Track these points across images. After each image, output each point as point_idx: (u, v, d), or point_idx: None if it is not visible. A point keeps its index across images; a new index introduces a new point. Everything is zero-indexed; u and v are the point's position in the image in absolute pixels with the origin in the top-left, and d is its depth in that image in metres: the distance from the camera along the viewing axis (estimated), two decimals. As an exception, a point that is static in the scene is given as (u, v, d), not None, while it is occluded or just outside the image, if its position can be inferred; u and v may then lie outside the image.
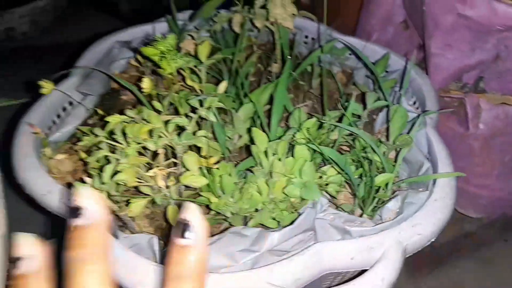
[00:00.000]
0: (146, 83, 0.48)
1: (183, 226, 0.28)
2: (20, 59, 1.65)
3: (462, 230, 1.00)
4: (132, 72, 0.73)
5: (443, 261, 1.04)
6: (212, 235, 0.45)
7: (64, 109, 0.63)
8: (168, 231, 0.50)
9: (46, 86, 0.49)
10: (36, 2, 1.71)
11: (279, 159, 0.45)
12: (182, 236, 0.28)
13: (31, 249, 0.26)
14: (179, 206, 0.45)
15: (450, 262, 1.04)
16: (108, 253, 0.27)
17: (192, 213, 0.28)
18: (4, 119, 0.99)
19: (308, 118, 0.52)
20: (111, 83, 0.68)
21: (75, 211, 0.26)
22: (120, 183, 0.41)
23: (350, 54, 0.76)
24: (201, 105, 0.48)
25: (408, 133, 0.50)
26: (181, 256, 0.28)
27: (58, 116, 0.62)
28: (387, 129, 0.53)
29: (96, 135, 0.45)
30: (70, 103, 0.64)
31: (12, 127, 0.57)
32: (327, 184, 0.49)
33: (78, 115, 0.61)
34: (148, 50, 0.43)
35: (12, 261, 0.26)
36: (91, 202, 0.27)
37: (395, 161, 0.51)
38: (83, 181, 0.41)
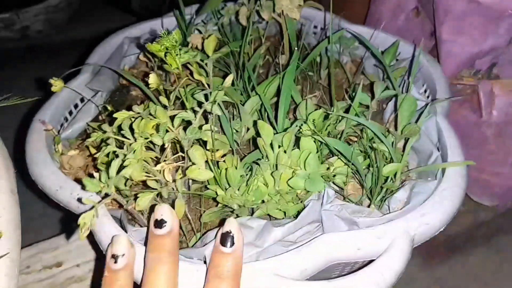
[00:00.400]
0: (153, 79, 0.48)
1: (227, 237, 0.38)
2: (36, 57, 1.68)
3: (477, 219, 0.99)
4: (142, 67, 0.73)
5: (457, 250, 1.03)
6: (218, 226, 0.45)
7: (76, 106, 0.64)
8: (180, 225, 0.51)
9: (56, 84, 0.50)
10: (50, 1, 1.73)
11: (285, 151, 0.45)
12: (224, 245, 0.38)
13: (125, 249, 0.38)
14: (188, 199, 0.45)
15: (464, 251, 1.03)
16: (178, 258, 0.39)
17: (234, 227, 0.39)
18: (19, 116, 1.01)
19: (316, 109, 0.52)
20: (121, 79, 0.69)
21: (160, 223, 0.38)
22: (127, 177, 0.42)
23: (359, 44, 0.75)
24: (208, 99, 0.48)
25: (416, 122, 0.50)
26: (222, 261, 0.38)
27: (70, 113, 0.64)
28: (396, 119, 0.52)
29: (104, 131, 0.46)
30: (82, 100, 0.65)
31: (26, 124, 0.58)
32: (334, 176, 0.49)
33: (88, 112, 0.62)
34: (153, 47, 0.44)
35: (114, 257, 0.38)
36: (171, 216, 0.39)
37: (404, 151, 0.50)
38: (92, 176, 0.42)
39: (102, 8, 1.92)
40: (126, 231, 0.45)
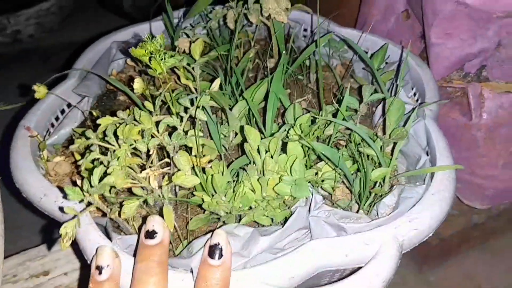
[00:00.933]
0: (138, 84, 0.48)
1: (215, 249, 0.38)
2: (27, 61, 1.67)
3: (471, 221, 0.99)
4: (130, 72, 0.73)
5: (452, 253, 1.02)
6: (205, 234, 0.44)
7: (63, 111, 0.64)
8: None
9: (39, 90, 0.50)
10: (42, 4, 1.72)
11: (272, 157, 0.45)
12: (212, 258, 0.38)
13: (109, 259, 0.38)
14: (175, 205, 0.44)
15: (459, 254, 1.03)
16: (167, 269, 0.38)
17: (222, 239, 0.38)
18: (5, 122, 1.00)
19: (304, 114, 0.52)
20: (108, 84, 0.69)
21: (152, 234, 0.38)
22: (111, 185, 0.41)
23: (349, 47, 0.75)
24: (194, 103, 0.48)
25: (404, 125, 0.49)
26: (210, 273, 0.37)
27: (57, 118, 0.63)
28: (384, 122, 0.52)
29: (88, 137, 0.45)
30: (69, 105, 0.64)
31: (11, 130, 0.57)
32: (323, 181, 0.49)
33: (75, 117, 0.61)
34: (137, 51, 0.43)
35: (98, 268, 0.37)
36: (162, 228, 0.39)
37: (392, 155, 0.50)
38: (75, 184, 0.41)
39: (94, 11, 1.91)
40: (110, 240, 0.44)
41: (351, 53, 0.74)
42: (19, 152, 0.53)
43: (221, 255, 0.38)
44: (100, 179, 0.40)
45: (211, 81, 0.64)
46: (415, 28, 0.83)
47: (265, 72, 0.67)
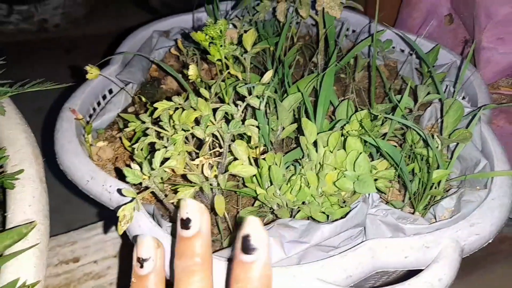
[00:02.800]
0: (192, 70, 0.47)
1: (245, 241, 0.29)
2: (52, 50, 1.67)
3: (499, 234, 0.96)
4: (171, 61, 0.72)
5: (477, 265, 1.00)
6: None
7: (104, 97, 0.63)
8: (217, 223, 0.49)
9: (91, 71, 0.49)
10: (69, -5, 1.72)
11: (331, 151, 0.43)
12: (245, 252, 0.29)
13: (151, 250, 0.32)
14: (226, 197, 0.43)
15: (485, 267, 1.00)
16: (211, 263, 0.31)
17: (254, 227, 0.29)
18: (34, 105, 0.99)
19: (357, 111, 0.50)
20: (151, 71, 0.68)
21: (186, 223, 0.31)
22: (166, 170, 0.40)
23: (393, 47, 0.73)
24: (249, 94, 0.46)
25: (466, 127, 0.48)
26: (244, 273, 0.29)
27: (98, 103, 0.62)
28: (441, 123, 0.50)
29: (143, 122, 0.44)
30: (110, 91, 0.63)
31: (52, 114, 0.57)
32: (376, 179, 0.47)
33: (118, 103, 0.61)
34: (198, 35, 0.42)
35: (139, 261, 0.31)
36: (199, 214, 0.31)
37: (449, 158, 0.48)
38: (128, 167, 0.40)
39: (119, 4, 1.91)
40: (160, 226, 0.43)
41: (396, 54, 0.72)
42: (64, 134, 0.52)
43: (255, 249, 0.29)
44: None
45: (256, 73, 0.63)
46: (458, 32, 0.82)
47: (312, 68, 0.65)
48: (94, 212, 1.01)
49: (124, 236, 0.74)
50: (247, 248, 0.29)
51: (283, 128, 0.55)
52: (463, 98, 0.63)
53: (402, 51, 0.74)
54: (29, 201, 0.45)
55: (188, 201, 0.31)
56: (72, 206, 1.02)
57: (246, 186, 0.47)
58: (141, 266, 0.31)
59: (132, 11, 1.87)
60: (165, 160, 0.40)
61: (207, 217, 0.32)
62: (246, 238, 0.29)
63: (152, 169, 0.37)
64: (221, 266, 0.39)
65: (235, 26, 0.63)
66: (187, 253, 0.31)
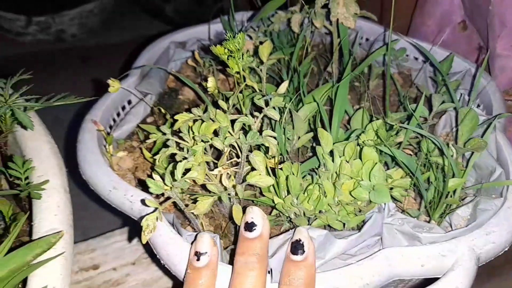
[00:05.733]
0: (211, 83, 0.48)
1: (298, 245, 0.38)
2: (69, 60, 1.71)
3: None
4: (187, 72, 0.73)
5: (494, 273, 0.99)
6: (276, 235, 0.44)
7: (123, 107, 0.64)
8: (235, 231, 0.50)
9: (113, 84, 0.50)
10: (85, 6, 1.76)
11: (347, 161, 0.44)
12: (296, 254, 0.38)
13: (208, 247, 0.38)
14: (244, 206, 0.44)
15: (502, 275, 0.99)
16: (267, 263, 0.38)
17: (304, 235, 0.39)
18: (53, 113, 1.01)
19: (372, 120, 0.51)
20: (168, 82, 0.69)
21: (251, 227, 0.38)
22: (187, 181, 0.41)
23: (407, 55, 0.74)
24: (266, 105, 0.47)
25: (481, 136, 0.48)
26: (294, 269, 0.37)
27: (118, 114, 0.64)
28: (456, 132, 0.51)
29: (163, 133, 0.45)
30: (129, 102, 0.65)
31: (74, 126, 0.58)
32: (391, 188, 0.48)
33: (138, 114, 0.62)
34: (218, 49, 0.43)
35: (196, 255, 0.38)
36: (261, 220, 0.39)
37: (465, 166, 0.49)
38: (150, 177, 0.41)
39: (134, 14, 1.95)
40: (180, 235, 0.44)
41: (410, 62, 0.73)
42: (87, 145, 0.54)
43: (303, 251, 0.38)
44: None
45: (271, 82, 0.64)
46: (472, 39, 0.82)
47: (326, 77, 0.66)
48: (110, 219, 1.03)
49: (143, 244, 0.76)
50: (297, 250, 0.37)
51: (299, 137, 0.56)
52: (478, 106, 0.64)
53: (416, 59, 0.74)
54: (54, 210, 0.47)
55: (254, 208, 0.39)
56: (89, 213, 1.04)
57: (263, 195, 0.48)
58: (198, 259, 0.37)
59: (147, 21, 1.90)
60: (185, 170, 0.41)
61: (268, 223, 0.39)
62: (297, 242, 0.38)
63: (174, 180, 0.39)
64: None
65: (250, 37, 0.65)
66: (248, 252, 0.37)
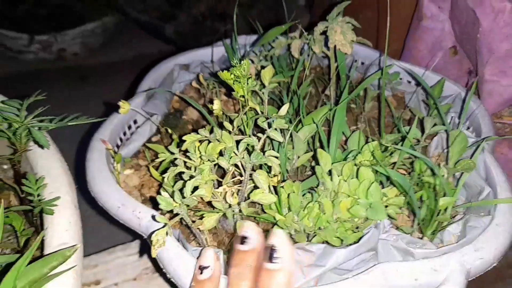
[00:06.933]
0: (217, 105, 0.51)
1: (271, 251, 0.37)
2: (70, 78, 1.74)
3: (507, 258, 0.98)
4: (191, 93, 0.76)
5: (486, 290, 1.01)
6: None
7: (129, 127, 0.67)
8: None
9: (123, 106, 0.53)
10: (86, 25, 1.80)
11: (345, 180, 0.47)
12: (270, 261, 0.36)
13: (211, 261, 0.40)
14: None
15: (493, 292, 1.01)
16: (258, 275, 0.38)
17: (279, 239, 0.37)
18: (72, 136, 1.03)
19: (368, 142, 0.54)
20: (173, 103, 0.72)
21: (243, 239, 0.39)
22: (195, 198, 0.44)
23: (400, 79, 0.78)
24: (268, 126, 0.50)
25: (471, 157, 0.51)
26: (269, 279, 0.36)
27: (124, 133, 0.66)
28: (447, 153, 0.54)
29: (171, 153, 0.48)
30: (135, 121, 0.68)
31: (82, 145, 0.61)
32: (386, 206, 0.51)
33: (144, 133, 0.65)
34: (224, 75, 0.47)
35: (200, 268, 0.40)
36: (255, 234, 0.39)
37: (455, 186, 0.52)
38: (159, 194, 0.44)
39: (135, 34, 1.98)
40: (186, 250, 0.46)
41: (403, 86, 0.77)
42: (96, 163, 0.56)
43: (278, 258, 0.37)
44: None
45: (272, 103, 0.67)
46: (462, 64, 0.86)
47: (325, 100, 0.69)
48: (105, 235, 1.03)
49: (145, 259, 0.78)
50: (272, 257, 0.36)
51: (298, 157, 0.59)
52: (468, 128, 0.67)
53: (409, 82, 0.78)
54: (66, 226, 0.49)
55: (249, 223, 0.40)
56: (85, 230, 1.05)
57: (265, 212, 0.50)
58: (201, 273, 0.39)
59: (147, 41, 1.93)
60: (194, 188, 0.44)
61: (262, 238, 0.39)
62: (272, 248, 0.37)
63: (183, 197, 0.41)
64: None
65: (252, 62, 0.68)
66: (241, 264, 0.38)
